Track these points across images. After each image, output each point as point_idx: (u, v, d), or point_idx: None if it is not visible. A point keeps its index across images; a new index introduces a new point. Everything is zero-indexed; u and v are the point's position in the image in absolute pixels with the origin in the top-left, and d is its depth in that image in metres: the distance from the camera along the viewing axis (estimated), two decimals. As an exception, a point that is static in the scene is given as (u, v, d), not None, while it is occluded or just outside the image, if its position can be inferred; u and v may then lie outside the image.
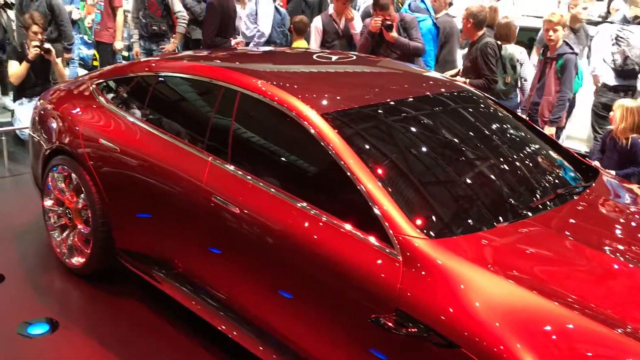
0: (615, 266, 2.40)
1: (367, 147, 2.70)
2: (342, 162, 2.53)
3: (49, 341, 3.15)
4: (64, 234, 3.76)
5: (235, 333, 2.86)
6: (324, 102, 2.83)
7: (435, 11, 6.25)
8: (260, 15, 6.66)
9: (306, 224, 2.54)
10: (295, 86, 2.97)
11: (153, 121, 3.38)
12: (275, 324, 2.72)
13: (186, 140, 3.15)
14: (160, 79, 3.49)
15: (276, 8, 6.92)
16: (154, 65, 3.60)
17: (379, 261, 2.31)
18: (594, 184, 3.00)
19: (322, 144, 2.62)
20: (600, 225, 2.78)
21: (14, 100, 6.05)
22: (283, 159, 2.91)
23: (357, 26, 5.95)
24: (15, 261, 3.88)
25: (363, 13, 6.63)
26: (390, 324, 2.19)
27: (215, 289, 2.98)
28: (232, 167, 2.89)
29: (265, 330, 2.76)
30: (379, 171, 2.54)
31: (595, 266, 2.39)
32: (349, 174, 2.50)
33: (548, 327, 2.02)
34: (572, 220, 2.74)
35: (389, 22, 5.34)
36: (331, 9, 6.12)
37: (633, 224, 2.90)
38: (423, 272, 2.22)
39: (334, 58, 3.60)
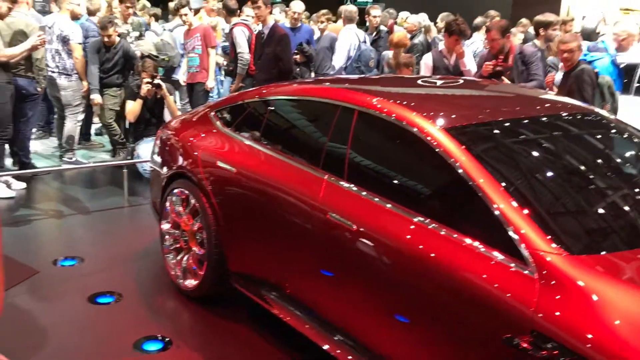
0: None
1: (496, 161, 2.57)
2: (469, 177, 2.41)
3: (162, 358, 3.18)
4: (179, 257, 3.83)
5: (350, 358, 2.75)
6: (446, 118, 2.74)
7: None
8: (336, 49, 6.69)
9: (429, 241, 2.42)
10: (413, 103, 2.91)
11: (268, 143, 3.41)
12: (392, 350, 2.59)
13: (301, 160, 3.15)
14: (272, 103, 3.55)
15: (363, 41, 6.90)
16: (265, 91, 3.68)
17: (512, 279, 2.14)
18: None
19: (446, 158, 2.51)
20: None
21: (134, 140, 6.42)
22: (403, 175, 2.82)
23: (468, 62, 5.85)
24: (132, 282, 3.99)
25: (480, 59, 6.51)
26: (526, 346, 2.00)
27: (328, 312, 2.90)
28: (348, 185, 2.84)
29: (381, 355, 2.63)
30: (510, 186, 2.39)
31: None
32: (477, 189, 2.37)
33: None
34: None
35: (499, 69, 5.31)
36: (441, 45, 6.07)
37: None
38: (563, 291, 2.03)
39: (448, 81, 3.52)
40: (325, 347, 2.86)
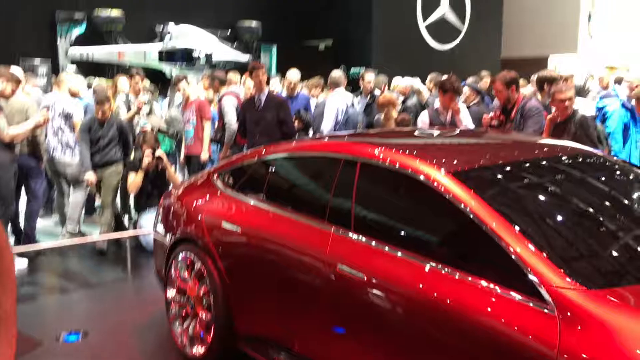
0: None
1: (503, 201, 2.56)
2: (481, 221, 2.38)
3: None
4: (185, 324, 3.75)
5: None
6: (451, 163, 2.74)
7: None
8: (324, 114, 6.74)
9: (444, 287, 2.37)
10: (416, 151, 2.92)
11: (272, 202, 3.40)
12: None
13: (306, 215, 3.12)
14: (273, 162, 3.56)
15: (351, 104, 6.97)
16: (264, 151, 3.70)
17: (533, 319, 2.10)
18: None
19: (455, 204, 2.49)
20: None
21: (137, 212, 6.38)
22: (411, 223, 2.79)
23: (464, 118, 5.94)
24: (138, 355, 3.88)
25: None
26: None
27: None
28: (356, 236, 2.81)
29: None
30: (523, 228, 2.36)
31: None
32: (489, 232, 2.34)
33: None
34: None
35: (494, 124, 5.43)
36: (437, 104, 6.18)
37: None
38: (584, 326, 1.98)
39: (445, 132, 3.56)
40: None
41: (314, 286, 2.89)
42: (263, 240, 3.23)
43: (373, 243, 2.72)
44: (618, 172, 3.06)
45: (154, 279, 4.31)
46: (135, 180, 6.17)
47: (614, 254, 2.45)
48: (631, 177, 3.04)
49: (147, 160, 6.12)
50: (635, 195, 2.95)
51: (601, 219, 2.66)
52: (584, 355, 1.93)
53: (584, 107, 6.75)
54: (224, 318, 3.42)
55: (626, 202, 2.86)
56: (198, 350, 3.60)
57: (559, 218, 2.58)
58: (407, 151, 2.89)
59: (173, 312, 3.83)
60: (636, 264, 2.39)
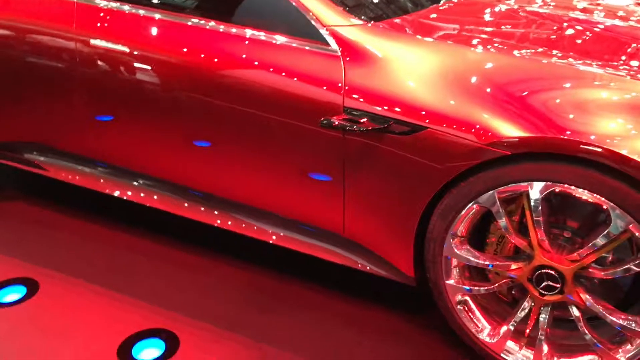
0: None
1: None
2: None
3: None
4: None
5: (155, 197, 2.54)
6: None
7: None
8: None
9: (218, 46, 2.19)
10: None
11: None
12: (198, 179, 2.41)
13: None
14: None
15: None
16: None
17: (317, 62, 2.05)
18: None
19: None
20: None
21: None
22: None
23: None
24: None
25: None
26: (341, 123, 1.96)
27: (115, 157, 2.58)
28: (104, 2, 2.42)
29: (188, 186, 2.46)
30: None
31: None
32: None
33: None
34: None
35: None
36: None
37: None
38: (365, 62, 2.00)
39: None
40: (116, 193, 2.61)
41: (66, 71, 2.49)
42: None
43: (126, 8, 2.39)
44: None
45: None
46: None
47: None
48: None
49: None
50: None
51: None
52: (368, 87, 1.96)
53: None
54: None
55: None
56: None
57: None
58: None
59: None
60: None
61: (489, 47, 2.04)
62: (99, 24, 2.41)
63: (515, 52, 2.00)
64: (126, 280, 2.53)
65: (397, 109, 1.92)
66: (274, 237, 2.35)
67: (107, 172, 2.65)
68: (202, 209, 2.47)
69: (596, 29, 2.32)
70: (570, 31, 2.29)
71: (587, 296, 1.86)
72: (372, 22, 2.14)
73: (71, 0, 2.47)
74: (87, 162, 2.68)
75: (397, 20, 2.20)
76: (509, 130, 1.77)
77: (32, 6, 2.56)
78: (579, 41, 2.22)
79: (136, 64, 2.34)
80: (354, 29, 2.08)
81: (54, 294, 2.45)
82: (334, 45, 2.05)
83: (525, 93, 1.82)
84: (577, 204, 1.89)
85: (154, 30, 2.33)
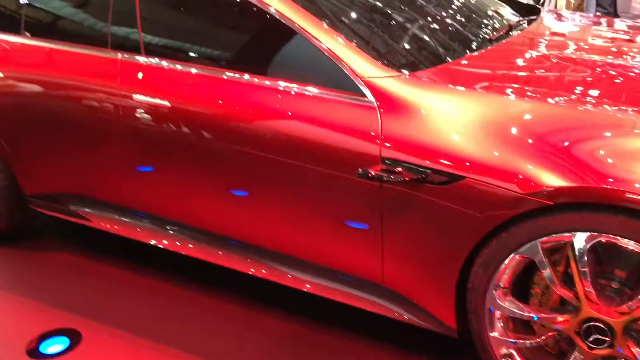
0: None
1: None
2: (286, 20, 2.21)
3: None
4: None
5: (190, 246, 2.56)
6: None
7: None
8: None
9: (252, 98, 2.22)
10: None
11: (36, 37, 2.80)
12: (234, 227, 2.43)
13: (85, 45, 2.64)
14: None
15: None
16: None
17: (353, 114, 2.05)
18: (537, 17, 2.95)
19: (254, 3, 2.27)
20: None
21: None
22: (206, 35, 2.53)
23: None
24: None
25: None
26: (378, 173, 1.96)
27: (155, 206, 2.62)
28: (147, 59, 2.48)
29: (223, 235, 2.47)
30: (329, 22, 2.23)
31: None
32: (297, 30, 2.18)
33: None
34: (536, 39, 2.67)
35: None
36: None
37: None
38: (403, 112, 1.99)
39: None
40: (152, 242, 2.64)
41: (109, 125, 2.55)
42: (37, 83, 2.73)
43: (165, 63, 2.43)
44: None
45: None
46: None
47: (423, 41, 2.46)
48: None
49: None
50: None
51: (403, 12, 2.58)
52: (405, 138, 1.95)
53: None
54: (5, 181, 2.98)
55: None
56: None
57: (371, 14, 2.48)
58: None
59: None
60: (445, 46, 2.45)
61: (526, 96, 2.02)
62: (140, 79, 2.48)
63: (556, 100, 1.97)
64: (169, 329, 2.53)
65: (435, 160, 1.91)
66: (307, 286, 2.33)
67: (146, 221, 2.70)
68: (237, 257, 2.47)
69: (631, 74, 2.29)
70: (604, 76, 2.26)
71: (639, 349, 1.79)
72: (409, 72, 2.14)
73: (115, 58, 2.54)
74: (126, 212, 2.74)
75: (433, 70, 2.20)
76: (551, 179, 1.74)
77: (79, 65, 2.66)
78: (615, 86, 2.20)
79: (174, 117, 2.39)
80: (390, 80, 2.08)
81: (97, 345, 2.46)
82: (370, 96, 2.06)
83: (566, 142, 1.80)
84: (625, 253, 1.82)
85: (191, 84, 2.38)
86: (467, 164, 1.86)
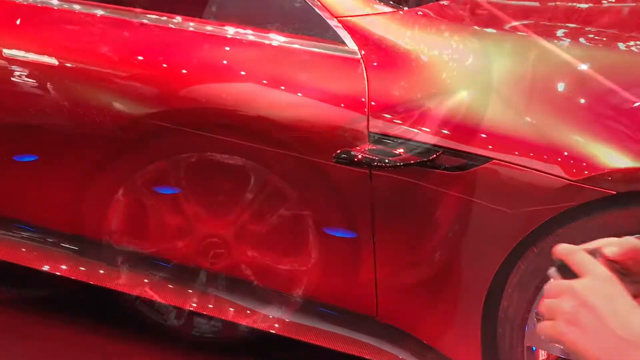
0: None
1: None
2: None
3: None
4: None
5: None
6: None
7: None
8: None
9: (188, 52, 1.68)
10: None
11: None
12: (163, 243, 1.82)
13: None
14: None
15: None
16: None
17: (327, 69, 1.58)
18: None
19: None
20: None
21: None
22: None
23: None
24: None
25: None
26: (368, 156, 1.47)
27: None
28: None
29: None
30: None
31: None
32: None
33: None
34: None
35: None
36: None
37: None
38: (399, 64, 1.55)
39: None
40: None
41: None
42: None
43: (55, 2, 1.85)
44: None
45: None
46: None
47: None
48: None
49: None
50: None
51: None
52: (404, 102, 1.49)
53: None
54: None
55: None
56: None
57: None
58: None
59: None
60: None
61: (580, 39, 1.62)
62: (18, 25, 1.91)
63: (619, 45, 1.60)
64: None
65: (447, 132, 1.46)
66: (276, 325, 1.76)
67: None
68: (171, 286, 1.87)
69: None
70: None
71: None
72: (405, 7, 1.70)
73: None
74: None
75: (444, 2, 1.77)
76: (615, 159, 1.37)
77: None
78: None
79: (69, 82, 1.78)
80: (380, 20, 1.61)
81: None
82: (351, 44, 1.56)
83: (637, 104, 1.42)
84: None
85: (97, 32, 1.81)
86: (493, 138, 1.46)
